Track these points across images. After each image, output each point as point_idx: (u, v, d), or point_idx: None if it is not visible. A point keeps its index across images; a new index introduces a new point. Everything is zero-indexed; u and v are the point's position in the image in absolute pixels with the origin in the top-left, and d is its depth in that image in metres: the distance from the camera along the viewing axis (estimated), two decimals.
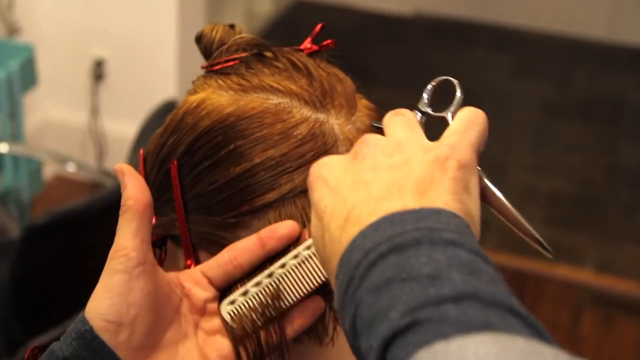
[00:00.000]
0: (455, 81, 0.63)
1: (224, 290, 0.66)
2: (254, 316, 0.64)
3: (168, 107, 1.81)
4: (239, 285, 0.65)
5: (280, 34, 3.97)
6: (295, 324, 0.65)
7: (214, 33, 0.72)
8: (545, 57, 4.14)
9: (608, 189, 3.26)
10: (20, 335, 1.61)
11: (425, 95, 0.63)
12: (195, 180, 0.67)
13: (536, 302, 2.68)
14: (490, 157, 3.38)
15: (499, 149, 3.39)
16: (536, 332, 0.46)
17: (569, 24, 4.24)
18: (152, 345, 0.63)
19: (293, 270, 0.64)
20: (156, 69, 2.85)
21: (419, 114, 0.62)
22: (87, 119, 2.97)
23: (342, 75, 0.70)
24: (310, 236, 0.63)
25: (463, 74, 3.85)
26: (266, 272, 0.64)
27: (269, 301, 0.64)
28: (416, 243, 0.49)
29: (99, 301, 0.62)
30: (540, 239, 0.59)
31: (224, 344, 0.64)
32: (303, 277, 0.64)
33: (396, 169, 0.55)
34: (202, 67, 0.72)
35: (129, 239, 0.63)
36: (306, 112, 0.66)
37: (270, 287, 0.64)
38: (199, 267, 0.66)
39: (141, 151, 0.73)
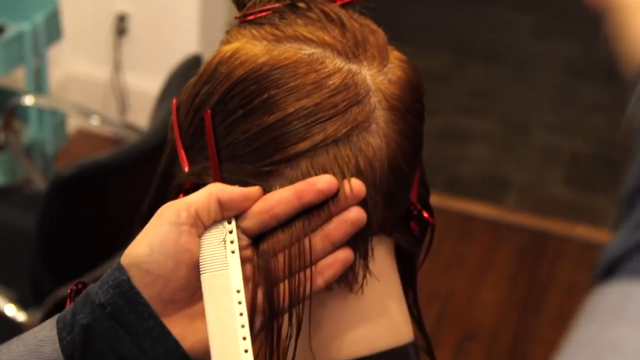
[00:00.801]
0: None
1: (256, 238, 0.67)
2: (286, 265, 0.65)
3: (193, 62, 1.82)
4: (272, 234, 0.66)
5: None
6: (325, 275, 0.65)
7: None
8: (569, 16, 4.10)
9: (629, 151, 3.24)
10: (48, 285, 1.63)
11: None
12: (228, 129, 0.67)
13: (556, 263, 2.69)
14: (512, 118, 3.39)
15: (521, 109, 3.37)
16: None
17: None
18: (184, 299, 0.64)
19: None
20: (178, 24, 2.85)
21: None
22: (110, 74, 2.98)
23: (374, 26, 0.71)
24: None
25: (485, 34, 3.83)
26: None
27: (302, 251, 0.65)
28: None
29: (140, 248, 0.63)
30: None
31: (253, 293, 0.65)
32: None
33: None
34: (236, 17, 0.72)
35: (196, 200, 0.64)
36: (339, 62, 0.67)
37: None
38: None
39: (174, 100, 0.74)
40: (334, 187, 0.64)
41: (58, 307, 1.63)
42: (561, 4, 4.18)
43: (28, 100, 2.23)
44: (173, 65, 1.94)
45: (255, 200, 0.65)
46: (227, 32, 0.72)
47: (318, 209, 0.65)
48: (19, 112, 2.44)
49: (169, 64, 2.07)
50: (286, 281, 0.65)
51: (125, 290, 0.62)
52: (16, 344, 0.63)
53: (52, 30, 2.48)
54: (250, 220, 0.65)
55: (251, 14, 0.71)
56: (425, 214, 0.72)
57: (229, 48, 0.69)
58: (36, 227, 1.56)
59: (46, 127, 2.53)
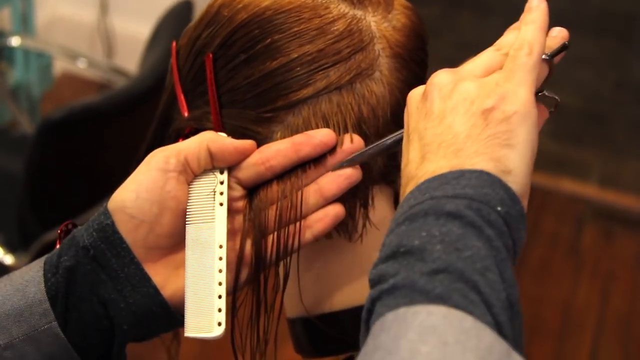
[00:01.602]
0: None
1: (250, 190, 0.66)
2: (276, 217, 0.65)
3: (184, 7, 1.79)
4: (267, 185, 0.65)
5: None
6: (315, 229, 0.65)
7: None
8: None
9: (616, 105, 3.25)
10: (36, 228, 1.63)
11: None
12: (230, 74, 0.66)
13: (539, 216, 2.70)
14: None
15: None
16: (492, 312, 0.49)
17: None
18: (169, 247, 0.64)
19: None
20: None
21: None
22: (96, 16, 2.94)
23: None
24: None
25: None
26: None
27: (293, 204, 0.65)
28: (425, 214, 0.53)
29: (126, 193, 0.63)
30: None
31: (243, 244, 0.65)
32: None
33: (442, 119, 0.57)
34: None
35: (186, 147, 0.64)
36: (343, 8, 0.66)
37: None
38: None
39: (174, 44, 0.73)
40: (332, 141, 0.64)
41: (45, 250, 1.62)
42: None
43: (14, 41, 2.20)
44: (162, 9, 1.91)
45: (247, 154, 0.65)
46: None
47: (315, 162, 0.64)
48: (5, 54, 2.41)
49: (158, 8, 2.04)
50: (275, 233, 0.64)
51: (109, 234, 0.62)
52: (4, 283, 0.64)
53: None
54: (246, 172, 0.65)
55: None
56: None
57: None
58: (24, 171, 1.55)
59: (32, 69, 2.50)
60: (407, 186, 0.57)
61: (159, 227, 0.63)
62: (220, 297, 0.63)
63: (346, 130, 0.64)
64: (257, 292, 0.65)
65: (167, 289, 0.63)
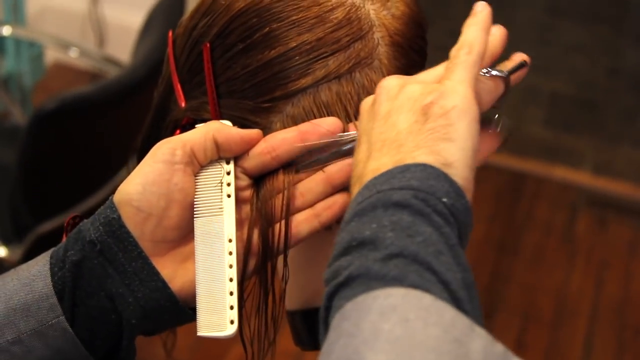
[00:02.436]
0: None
1: (257, 178, 0.65)
2: (284, 205, 0.64)
3: None
4: (273, 174, 0.65)
5: None
6: (322, 217, 0.64)
7: None
8: None
9: (609, 92, 3.25)
10: (29, 220, 1.62)
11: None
12: (228, 64, 0.66)
13: (533, 203, 2.71)
14: None
15: None
16: (449, 290, 0.50)
17: None
18: (177, 239, 0.63)
19: None
20: None
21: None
22: (88, 5, 2.92)
23: None
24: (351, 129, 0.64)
25: None
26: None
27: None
28: (373, 208, 0.53)
29: (132, 186, 0.62)
30: None
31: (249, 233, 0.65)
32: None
33: (387, 118, 0.58)
34: None
35: (192, 138, 0.63)
36: None
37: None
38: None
39: (170, 33, 0.72)
40: (339, 129, 0.63)
41: (39, 242, 1.62)
42: None
43: (5, 30, 2.18)
44: None
45: (253, 144, 0.64)
46: None
47: (321, 150, 0.64)
48: None
49: None
50: (282, 222, 0.64)
51: (115, 228, 0.61)
52: (10, 277, 0.63)
53: None
54: (252, 161, 0.64)
55: None
56: None
57: None
58: (17, 162, 1.54)
59: (23, 59, 2.48)
60: (355, 186, 0.57)
61: (166, 220, 0.62)
62: (231, 293, 0.63)
63: (349, 120, 0.64)
64: (264, 282, 0.65)
65: (175, 283, 0.63)
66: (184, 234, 0.63)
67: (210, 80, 0.66)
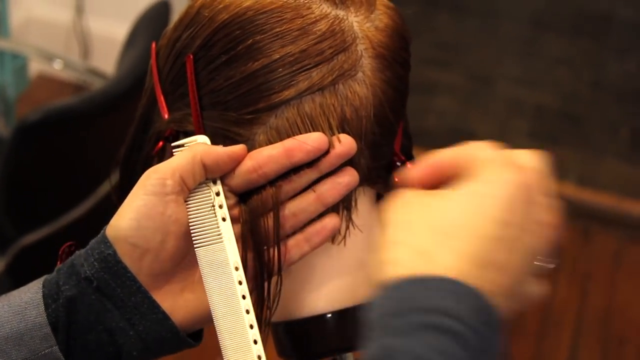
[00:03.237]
0: None
1: (243, 195, 0.65)
2: (276, 227, 0.64)
3: (161, 8, 1.78)
4: (260, 191, 0.64)
5: None
6: (313, 241, 0.65)
7: None
8: None
9: (593, 104, 3.27)
10: (12, 232, 1.61)
11: None
12: (211, 75, 0.66)
13: None
14: (477, 70, 3.38)
15: (487, 61, 3.37)
16: None
17: None
18: (174, 270, 0.63)
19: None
20: None
21: None
22: (72, 17, 2.91)
23: None
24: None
25: None
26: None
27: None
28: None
29: (126, 221, 0.61)
30: None
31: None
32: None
33: None
34: None
35: (179, 165, 0.62)
36: (325, 8, 0.65)
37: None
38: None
39: (153, 45, 0.72)
40: (325, 145, 0.63)
41: (22, 254, 1.61)
42: None
43: None
44: (139, 10, 1.90)
45: (240, 160, 0.63)
46: None
47: (308, 166, 0.63)
48: None
49: (135, 9, 2.02)
50: (274, 245, 0.64)
51: (112, 264, 0.61)
52: (1, 304, 0.62)
53: None
54: (238, 179, 0.64)
55: None
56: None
57: None
58: (0, 173, 1.53)
59: (7, 71, 2.47)
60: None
61: (163, 253, 0.62)
62: (252, 327, 0.62)
63: (331, 132, 0.64)
64: (260, 302, 0.64)
65: (177, 314, 0.62)
66: (179, 261, 0.63)
67: (194, 91, 0.66)
